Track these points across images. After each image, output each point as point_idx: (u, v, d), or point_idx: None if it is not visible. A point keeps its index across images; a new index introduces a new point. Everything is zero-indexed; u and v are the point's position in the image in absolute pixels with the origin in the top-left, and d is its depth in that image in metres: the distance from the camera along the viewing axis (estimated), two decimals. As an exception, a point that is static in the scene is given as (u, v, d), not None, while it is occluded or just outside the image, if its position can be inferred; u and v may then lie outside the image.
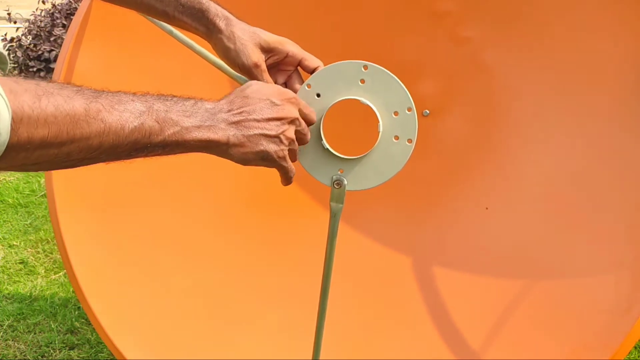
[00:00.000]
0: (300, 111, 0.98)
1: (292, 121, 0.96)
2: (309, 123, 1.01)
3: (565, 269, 1.69)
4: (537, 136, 1.84)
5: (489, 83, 1.88)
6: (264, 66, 1.06)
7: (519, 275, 1.74)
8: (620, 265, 1.58)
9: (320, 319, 1.21)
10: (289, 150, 0.98)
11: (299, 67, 1.10)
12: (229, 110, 0.92)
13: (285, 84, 1.10)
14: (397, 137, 1.01)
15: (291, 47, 1.07)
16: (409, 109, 1.01)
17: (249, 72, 1.06)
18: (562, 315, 1.62)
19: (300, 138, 1.00)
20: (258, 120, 0.93)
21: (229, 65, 1.09)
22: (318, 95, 1.04)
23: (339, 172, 1.03)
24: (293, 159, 1.01)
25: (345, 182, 1.03)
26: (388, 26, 1.90)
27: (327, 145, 1.02)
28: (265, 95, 0.95)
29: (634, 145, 1.65)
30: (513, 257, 1.79)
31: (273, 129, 0.94)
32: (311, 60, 1.07)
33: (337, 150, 1.04)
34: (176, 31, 1.17)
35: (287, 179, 1.01)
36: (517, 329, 1.67)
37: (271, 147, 0.94)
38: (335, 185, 1.04)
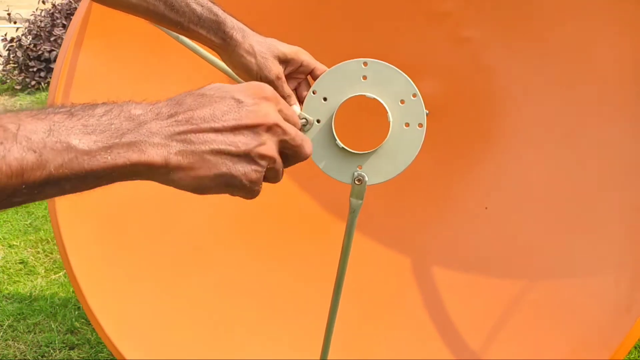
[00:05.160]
0: (281, 112, 0.70)
1: (270, 128, 0.67)
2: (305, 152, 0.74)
3: (565, 269, 1.69)
4: (537, 136, 1.84)
5: (489, 83, 1.88)
6: (284, 78, 1.06)
7: (519, 275, 1.74)
8: (620, 265, 1.58)
9: (332, 315, 1.22)
10: (268, 170, 0.69)
11: (308, 76, 1.10)
12: (171, 116, 0.62)
13: (295, 91, 1.10)
14: (407, 124, 1.03)
15: (305, 57, 1.08)
16: (414, 95, 1.03)
17: (271, 85, 1.02)
18: (561, 315, 1.63)
19: (293, 151, 0.72)
20: (217, 130, 0.63)
21: (245, 78, 1.07)
22: (325, 99, 1.05)
23: (358, 169, 1.05)
24: (274, 180, 0.73)
25: (366, 177, 1.04)
26: (388, 26, 1.90)
27: (342, 144, 1.04)
28: (228, 92, 0.67)
29: (634, 145, 1.65)
30: (513, 257, 1.79)
31: (241, 142, 0.65)
32: (322, 70, 1.08)
33: (351, 148, 1.05)
34: (182, 37, 1.17)
35: (250, 197, 0.71)
36: (517, 329, 1.67)
37: (238, 168, 0.65)
38: (356, 182, 1.05)
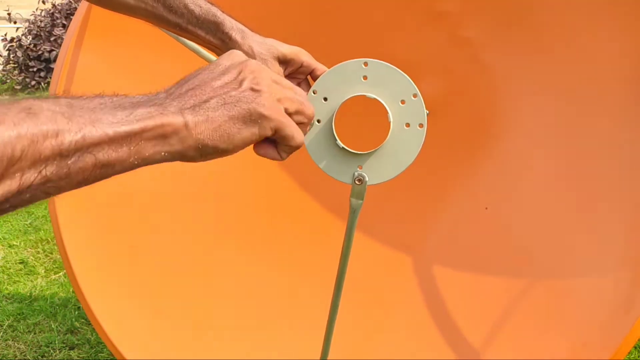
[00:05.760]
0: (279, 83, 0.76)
1: (246, 65, 0.73)
2: (308, 117, 0.81)
3: (565, 269, 1.69)
4: (537, 136, 1.84)
5: (489, 83, 1.88)
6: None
7: (518, 274, 1.74)
8: (620, 265, 1.58)
9: (332, 315, 1.22)
10: (293, 114, 0.75)
11: (308, 76, 1.10)
12: (172, 93, 0.68)
13: None
14: (408, 125, 1.03)
15: (305, 57, 1.08)
16: (415, 95, 1.03)
17: None
18: (561, 315, 1.63)
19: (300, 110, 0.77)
20: (211, 80, 0.70)
21: None
22: (325, 99, 1.05)
23: (358, 169, 1.05)
24: (303, 130, 0.79)
25: (367, 178, 1.04)
26: (388, 26, 1.90)
27: (342, 145, 1.04)
28: (225, 64, 0.74)
29: (634, 145, 1.65)
30: (513, 256, 1.79)
31: (251, 84, 0.71)
32: (322, 71, 1.08)
33: (351, 148, 1.05)
34: (182, 37, 1.16)
35: (293, 145, 0.78)
36: (517, 328, 1.67)
37: (261, 100, 0.70)
38: (356, 182, 1.05)
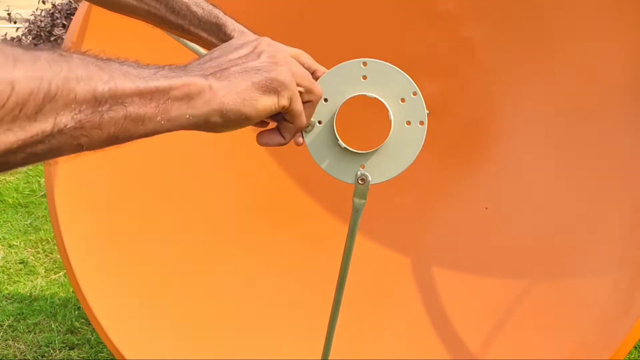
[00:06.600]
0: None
1: (269, 44, 0.80)
2: (317, 96, 0.87)
3: (565, 269, 1.69)
4: (537, 136, 1.84)
5: (489, 83, 1.88)
6: None
7: (518, 275, 1.75)
8: (620, 265, 1.58)
9: (334, 315, 1.22)
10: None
11: None
12: (190, 65, 0.71)
13: None
14: (408, 123, 1.04)
15: (305, 59, 1.08)
16: (414, 93, 1.03)
17: None
18: (561, 315, 1.63)
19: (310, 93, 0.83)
20: (238, 58, 0.74)
21: None
22: (325, 100, 1.05)
23: (360, 168, 1.05)
24: (310, 111, 0.86)
25: (370, 177, 1.04)
26: (388, 26, 1.90)
27: (344, 145, 1.04)
28: (244, 43, 0.79)
29: (634, 145, 1.65)
30: (513, 257, 1.79)
31: (269, 57, 0.76)
32: (323, 72, 1.08)
33: (353, 148, 1.05)
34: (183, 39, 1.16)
35: (299, 124, 0.83)
36: (516, 329, 1.67)
37: (281, 70, 0.75)
38: (359, 182, 1.05)
